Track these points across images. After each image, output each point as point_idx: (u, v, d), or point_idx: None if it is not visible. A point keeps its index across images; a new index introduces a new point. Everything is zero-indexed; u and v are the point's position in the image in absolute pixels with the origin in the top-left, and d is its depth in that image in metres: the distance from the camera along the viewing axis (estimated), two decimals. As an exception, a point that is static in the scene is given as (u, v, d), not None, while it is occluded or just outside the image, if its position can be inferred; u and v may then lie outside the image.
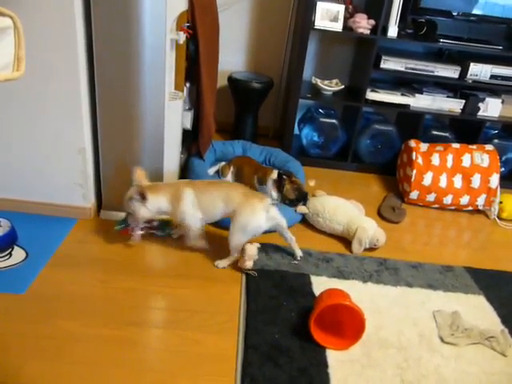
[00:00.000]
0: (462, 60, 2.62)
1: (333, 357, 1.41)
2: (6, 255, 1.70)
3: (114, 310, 1.51)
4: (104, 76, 1.74)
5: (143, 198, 1.69)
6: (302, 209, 2.12)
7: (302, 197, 2.13)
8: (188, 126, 2.20)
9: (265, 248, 1.89)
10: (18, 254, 1.71)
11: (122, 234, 1.84)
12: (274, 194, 2.17)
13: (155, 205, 1.71)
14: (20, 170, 1.88)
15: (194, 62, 2.04)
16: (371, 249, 1.98)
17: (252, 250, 1.72)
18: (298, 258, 1.85)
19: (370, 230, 1.95)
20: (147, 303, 1.57)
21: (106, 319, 1.47)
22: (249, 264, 1.72)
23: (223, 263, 1.77)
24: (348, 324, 1.46)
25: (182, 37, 1.79)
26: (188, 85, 2.16)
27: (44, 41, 1.63)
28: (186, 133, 2.22)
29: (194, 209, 1.72)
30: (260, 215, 1.69)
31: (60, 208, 1.95)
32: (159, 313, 1.53)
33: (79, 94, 1.73)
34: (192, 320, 1.50)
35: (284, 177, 2.14)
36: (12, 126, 1.80)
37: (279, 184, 2.15)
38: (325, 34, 2.86)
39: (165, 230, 1.93)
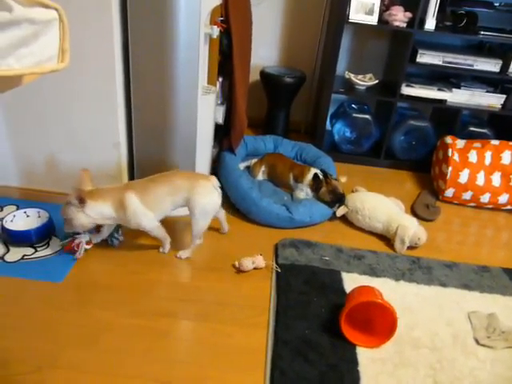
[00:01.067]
0: (504, 53, 2.51)
1: (363, 355, 1.39)
2: (44, 245, 1.76)
3: (146, 300, 1.54)
4: (139, 70, 1.77)
5: (81, 202, 1.55)
6: (341, 211, 2.09)
7: (338, 199, 2.12)
8: (220, 120, 2.21)
9: (295, 244, 1.88)
10: (55, 244, 1.76)
11: (66, 250, 1.71)
12: (309, 191, 2.16)
13: (96, 211, 1.58)
14: (57, 163, 1.94)
15: (227, 56, 2.04)
16: (412, 247, 1.95)
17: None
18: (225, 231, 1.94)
19: (411, 228, 1.92)
20: (178, 295, 1.59)
21: (138, 310, 1.50)
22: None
23: (186, 253, 1.76)
24: (379, 322, 1.44)
25: (215, 31, 1.80)
26: (221, 79, 2.17)
27: (80, 36, 1.66)
28: (217, 127, 2.24)
29: (143, 211, 1.63)
30: (213, 193, 1.68)
31: (95, 200, 2.00)
32: (190, 305, 1.55)
33: (114, 89, 1.77)
34: (223, 313, 1.52)
35: (320, 177, 2.13)
36: (49, 120, 1.85)
37: (315, 186, 2.14)
38: (359, 27, 2.81)
39: (112, 237, 1.79)
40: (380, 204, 2.04)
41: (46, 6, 0.63)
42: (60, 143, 1.90)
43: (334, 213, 2.11)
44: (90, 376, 1.25)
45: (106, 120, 1.84)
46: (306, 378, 1.28)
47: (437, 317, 1.58)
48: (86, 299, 1.52)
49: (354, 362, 1.36)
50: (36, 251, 1.72)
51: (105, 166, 1.93)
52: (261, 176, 2.36)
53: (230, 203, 2.12)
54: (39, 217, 1.82)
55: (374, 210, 2.01)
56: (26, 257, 1.68)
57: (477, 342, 1.49)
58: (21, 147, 1.93)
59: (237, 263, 1.72)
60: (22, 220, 1.80)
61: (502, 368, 1.40)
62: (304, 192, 2.18)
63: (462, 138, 2.49)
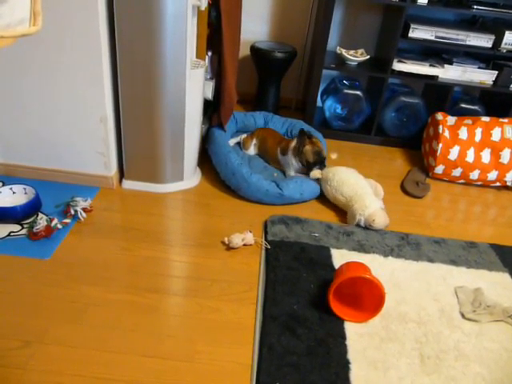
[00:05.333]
0: (497, 28, 2.48)
1: (351, 329, 1.40)
2: (32, 221, 1.73)
3: (134, 276, 1.54)
4: (125, 44, 1.72)
5: None
6: (315, 174, 2.09)
7: (320, 161, 2.11)
8: (209, 95, 2.17)
9: (285, 220, 1.88)
10: (43, 221, 1.74)
11: (35, 237, 1.66)
12: (295, 163, 2.14)
13: None
14: (43, 138, 1.90)
15: (216, 29, 2.00)
16: (366, 228, 1.91)
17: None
18: None
19: (369, 207, 1.89)
20: (167, 271, 1.58)
21: (127, 285, 1.49)
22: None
23: None
24: (367, 297, 1.46)
25: (204, 3, 1.74)
26: (210, 54, 2.12)
27: (64, 6, 1.61)
28: (207, 103, 2.20)
29: None
30: None
31: (83, 176, 1.97)
32: (179, 281, 1.55)
33: (100, 62, 1.72)
34: (212, 289, 1.52)
35: (305, 135, 2.10)
36: (35, 94, 1.80)
37: (299, 143, 2.10)
38: (351, 0, 2.75)
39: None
40: (351, 180, 2.01)
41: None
42: (46, 118, 1.85)
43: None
44: (79, 351, 1.25)
45: (93, 94, 1.79)
46: (293, 353, 1.30)
47: (424, 292, 1.60)
48: (73, 275, 1.51)
49: (341, 336, 1.38)
50: (23, 228, 1.70)
51: (92, 141, 1.90)
52: (252, 149, 2.36)
53: (220, 180, 2.11)
54: (25, 193, 1.79)
55: (341, 183, 1.99)
56: (12, 233, 1.66)
57: (462, 316, 1.51)
58: (2, 121, 1.88)
59: (226, 240, 1.71)
60: (8, 196, 1.77)
61: (486, 341, 1.42)
62: (292, 168, 2.15)
63: (453, 114, 2.48)
